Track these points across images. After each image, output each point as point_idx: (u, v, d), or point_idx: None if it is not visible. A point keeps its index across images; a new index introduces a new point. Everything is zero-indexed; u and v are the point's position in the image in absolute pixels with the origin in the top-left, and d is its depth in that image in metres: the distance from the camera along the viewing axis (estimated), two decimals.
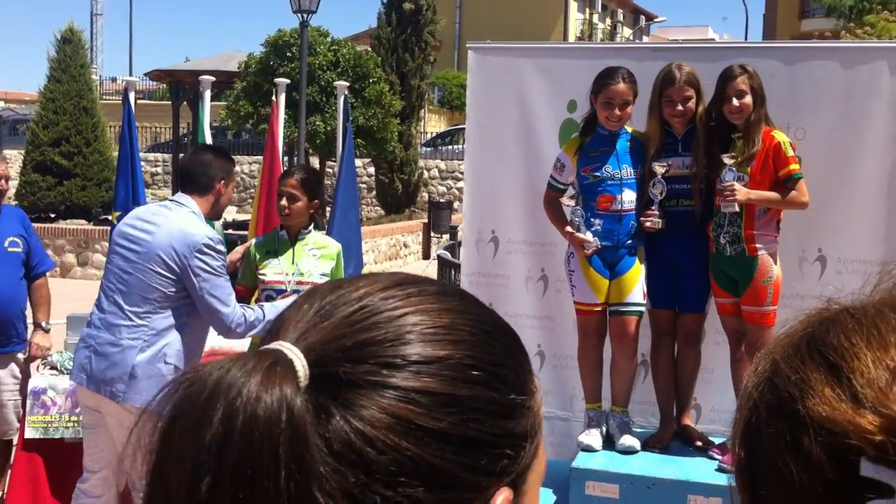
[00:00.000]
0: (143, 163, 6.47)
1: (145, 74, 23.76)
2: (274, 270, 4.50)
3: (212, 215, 4.30)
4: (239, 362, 0.67)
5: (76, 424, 4.83)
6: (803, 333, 0.75)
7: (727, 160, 4.13)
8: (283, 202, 4.49)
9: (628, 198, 4.33)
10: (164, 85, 25.85)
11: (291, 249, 4.54)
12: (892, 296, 0.75)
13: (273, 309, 4.17)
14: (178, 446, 0.65)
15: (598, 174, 4.35)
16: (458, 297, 0.78)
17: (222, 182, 4.21)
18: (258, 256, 4.56)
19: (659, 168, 4.26)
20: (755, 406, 0.74)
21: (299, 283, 4.46)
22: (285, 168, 6.21)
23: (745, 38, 37.13)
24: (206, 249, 3.95)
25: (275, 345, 0.69)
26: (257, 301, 4.55)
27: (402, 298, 0.74)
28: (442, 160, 26.70)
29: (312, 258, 4.54)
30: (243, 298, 4.49)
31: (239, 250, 4.80)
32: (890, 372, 0.67)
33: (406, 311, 0.73)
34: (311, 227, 4.65)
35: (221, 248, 4.09)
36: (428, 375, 0.69)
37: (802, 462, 0.68)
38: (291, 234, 4.56)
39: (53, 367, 5.19)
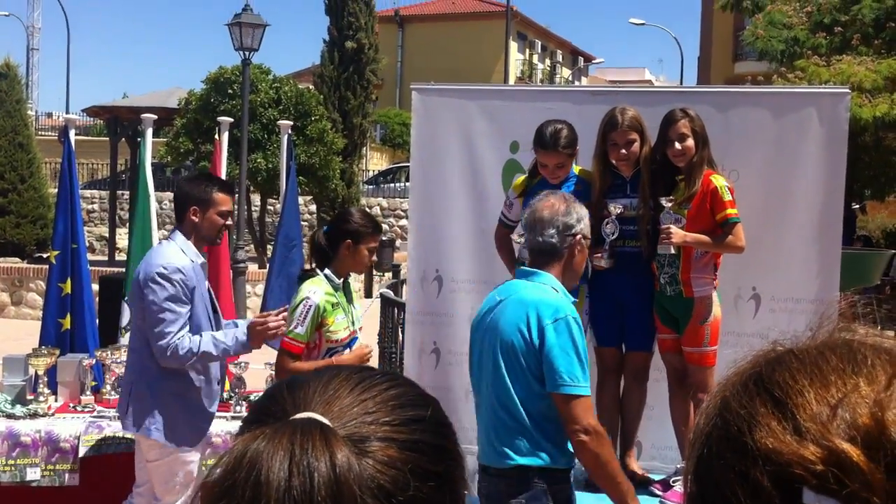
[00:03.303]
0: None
1: (83, 110, 23.39)
2: (343, 326, 4.16)
3: (201, 242, 4.27)
4: (279, 435, 0.82)
5: (13, 468, 4.73)
6: (751, 372, 0.80)
7: (665, 203, 4.24)
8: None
9: None
10: (101, 121, 25.48)
11: (345, 298, 4.24)
12: (833, 339, 0.81)
13: (210, 344, 4.10)
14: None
15: None
16: (396, 375, 0.97)
17: (193, 209, 4.19)
18: (327, 311, 4.10)
19: (614, 209, 4.34)
20: (706, 440, 0.79)
21: (355, 332, 4.25)
22: None
23: (681, 80, 37.99)
24: (158, 279, 4.02)
25: (304, 415, 0.86)
26: (316, 357, 4.13)
27: (381, 377, 0.93)
28: (384, 198, 26.73)
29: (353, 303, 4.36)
30: (297, 357, 4.07)
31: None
32: (830, 408, 0.73)
33: (391, 385, 0.91)
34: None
35: (177, 276, 4.04)
36: (423, 431, 0.88)
37: (750, 492, 0.73)
38: (343, 282, 4.24)
39: None
